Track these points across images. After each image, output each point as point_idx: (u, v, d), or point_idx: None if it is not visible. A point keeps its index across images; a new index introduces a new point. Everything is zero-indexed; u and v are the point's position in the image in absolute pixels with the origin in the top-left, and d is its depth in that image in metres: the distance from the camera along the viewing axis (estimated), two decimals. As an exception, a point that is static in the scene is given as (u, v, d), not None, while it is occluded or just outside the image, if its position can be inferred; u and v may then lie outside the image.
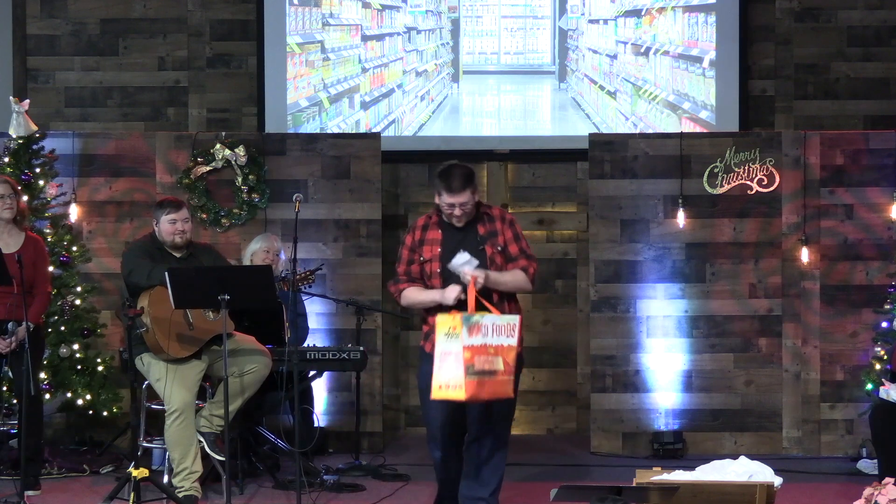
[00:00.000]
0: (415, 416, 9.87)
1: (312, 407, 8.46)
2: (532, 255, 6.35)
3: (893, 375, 7.32)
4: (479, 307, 6.09)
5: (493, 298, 6.20)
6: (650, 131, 9.74)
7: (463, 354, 5.92)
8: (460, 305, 6.12)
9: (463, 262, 6.13)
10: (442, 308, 6.16)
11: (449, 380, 5.96)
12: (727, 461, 6.18)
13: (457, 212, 6.25)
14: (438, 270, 6.29)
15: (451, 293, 6.16)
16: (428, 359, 6.22)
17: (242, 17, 10.14)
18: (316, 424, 8.22)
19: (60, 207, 8.82)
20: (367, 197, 9.02)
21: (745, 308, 8.87)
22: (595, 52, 10.12)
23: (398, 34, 10.17)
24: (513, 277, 6.27)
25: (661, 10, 10.03)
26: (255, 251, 8.25)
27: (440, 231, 6.34)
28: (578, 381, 9.80)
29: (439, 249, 6.30)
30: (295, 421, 7.21)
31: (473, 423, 6.33)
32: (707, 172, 8.89)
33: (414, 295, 6.34)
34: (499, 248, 6.28)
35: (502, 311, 6.19)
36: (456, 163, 6.34)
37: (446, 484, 6.49)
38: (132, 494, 6.45)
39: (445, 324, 6.01)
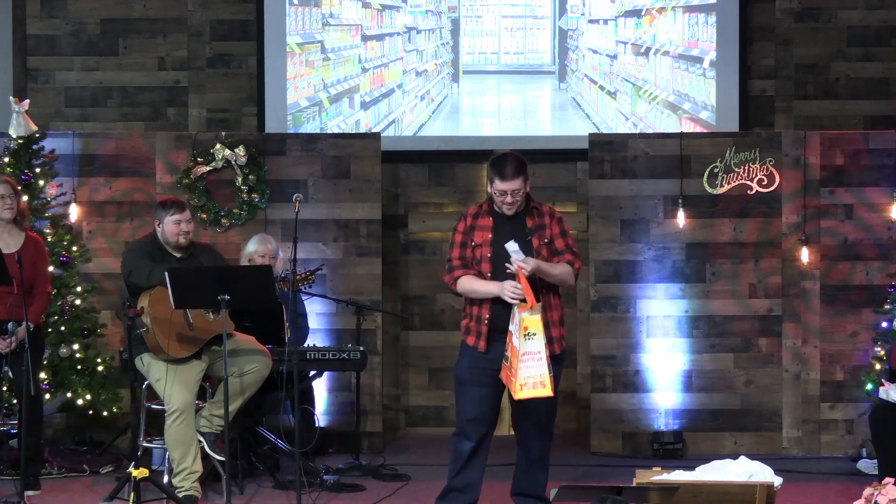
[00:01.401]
0: (415, 416, 9.87)
1: (313, 407, 8.46)
2: (578, 253, 6.45)
3: (892, 375, 7.32)
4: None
5: (538, 289, 6.25)
6: (650, 131, 9.74)
7: (545, 352, 6.10)
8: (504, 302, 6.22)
9: (515, 250, 6.20)
10: (498, 301, 6.23)
11: (534, 377, 6.10)
12: (727, 461, 6.19)
13: (508, 199, 6.33)
14: (489, 255, 6.35)
15: (510, 290, 6.19)
16: (469, 353, 6.35)
17: (242, 17, 10.14)
18: (317, 424, 8.22)
19: (60, 207, 8.82)
20: (367, 197, 9.02)
21: (745, 308, 8.87)
22: (595, 52, 10.12)
23: (398, 34, 10.17)
24: (561, 269, 6.35)
25: (661, 10, 10.03)
26: (250, 255, 8.21)
27: (491, 219, 6.42)
28: (578, 381, 9.80)
29: (490, 235, 6.38)
30: (295, 421, 7.22)
31: (524, 420, 6.45)
32: (707, 172, 8.89)
33: (471, 284, 6.36)
34: (545, 241, 6.36)
35: (545, 304, 6.27)
36: (509, 152, 6.46)
37: (459, 478, 6.47)
38: (132, 494, 6.45)
39: (523, 324, 6.11)
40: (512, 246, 6.20)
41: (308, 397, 8.40)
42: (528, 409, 6.36)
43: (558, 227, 6.43)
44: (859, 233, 8.83)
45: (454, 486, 6.48)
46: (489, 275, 6.33)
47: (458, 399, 6.51)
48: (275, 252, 8.23)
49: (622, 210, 8.93)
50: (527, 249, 6.27)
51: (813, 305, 8.84)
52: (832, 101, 10.00)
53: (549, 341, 6.23)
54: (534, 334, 6.10)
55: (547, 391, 6.12)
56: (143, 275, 6.92)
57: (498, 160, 6.37)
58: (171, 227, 7.07)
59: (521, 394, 6.12)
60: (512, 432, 9.97)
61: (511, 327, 6.17)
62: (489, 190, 6.42)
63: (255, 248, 8.21)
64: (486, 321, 6.29)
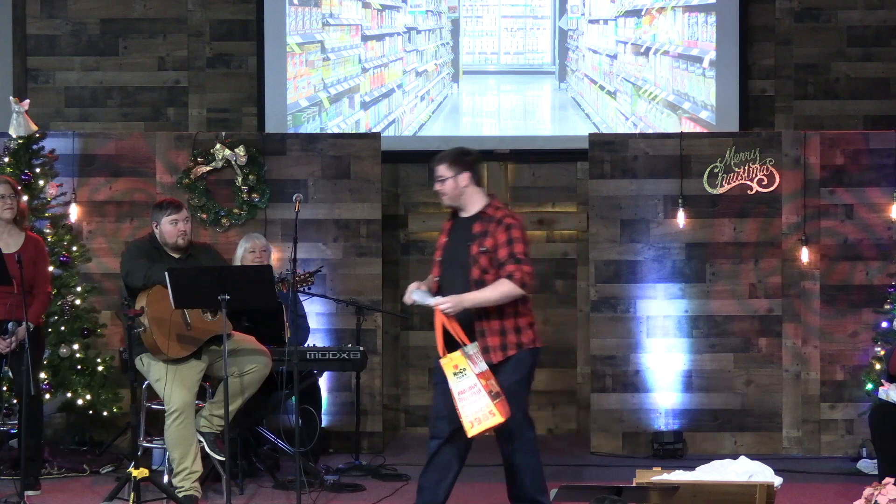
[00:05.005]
0: (415, 416, 9.87)
1: (320, 406, 8.46)
2: (523, 259, 6.17)
3: (890, 377, 7.32)
4: (449, 338, 6.11)
5: (484, 314, 6.19)
6: (650, 131, 9.74)
7: (480, 383, 6.00)
8: (452, 342, 6.16)
9: (420, 299, 6.21)
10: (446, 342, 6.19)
11: (478, 412, 6.01)
12: (727, 461, 6.18)
13: (436, 186, 6.35)
14: (439, 259, 6.39)
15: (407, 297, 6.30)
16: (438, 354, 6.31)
17: (242, 17, 10.14)
18: (320, 425, 8.23)
19: (60, 207, 8.82)
20: (367, 197, 9.03)
21: (745, 308, 8.87)
22: (595, 52, 10.12)
23: (398, 34, 10.17)
24: (493, 290, 6.16)
25: (661, 10, 10.03)
26: (242, 255, 8.21)
27: (452, 222, 6.44)
28: (578, 381, 9.80)
29: (444, 239, 6.41)
30: (296, 421, 7.22)
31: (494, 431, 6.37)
32: (707, 172, 8.89)
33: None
34: (484, 249, 6.21)
35: (479, 312, 6.17)
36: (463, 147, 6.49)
37: (423, 477, 6.43)
38: (132, 494, 6.45)
39: (449, 365, 6.07)
40: (418, 295, 6.20)
41: (314, 396, 8.40)
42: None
43: (504, 235, 6.21)
44: (859, 233, 8.83)
45: (419, 485, 6.47)
46: (436, 279, 6.36)
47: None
48: (264, 245, 8.23)
49: (622, 210, 8.93)
50: (463, 256, 6.23)
51: (813, 305, 8.84)
52: (832, 101, 10.01)
53: (486, 350, 6.16)
54: (463, 370, 6.03)
55: (497, 418, 6.00)
56: (139, 275, 6.91)
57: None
58: (168, 228, 7.06)
59: (474, 431, 6.04)
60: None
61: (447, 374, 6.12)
62: None
63: (244, 247, 8.21)
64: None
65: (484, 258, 6.21)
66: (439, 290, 6.33)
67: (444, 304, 6.15)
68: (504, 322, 6.22)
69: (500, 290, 6.16)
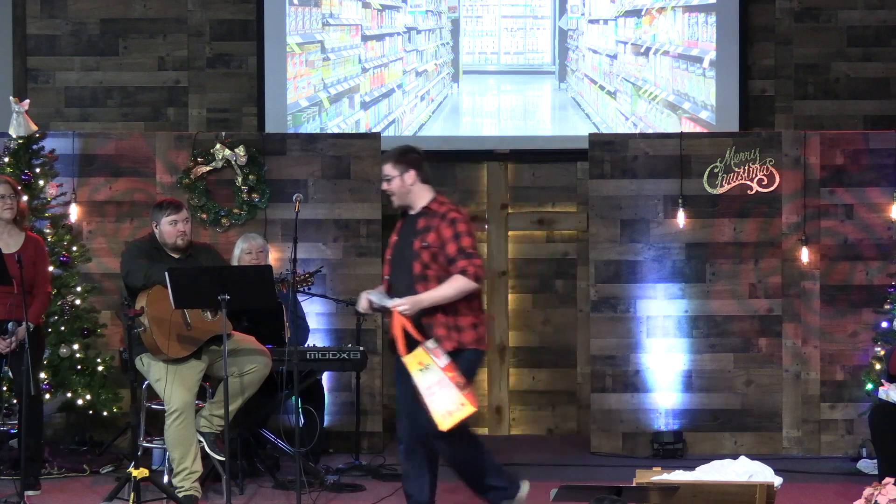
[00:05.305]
0: (415, 416, 9.86)
1: (323, 406, 8.45)
2: (472, 253, 6.16)
3: (890, 377, 7.31)
4: (409, 338, 6.10)
5: (428, 310, 6.16)
6: (650, 131, 9.74)
7: (446, 376, 5.99)
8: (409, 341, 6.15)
9: (378, 303, 6.20)
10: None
11: (450, 405, 5.99)
12: (727, 461, 6.18)
13: (383, 186, 6.37)
14: (388, 258, 6.40)
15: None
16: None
17: (242, 17, 10.14)
18: (322, 425, 8.23)
19: (60, 207, 8.82)
20: (367, 197, 9.02)
21: (745, 308, 8.87)
22: (595, 52, 10.12)
23: (398, 34, 10.17)
24: (449, 287, 6.15)
25: (661, 10, 10.03)
26: (239, 256, 8.20)
27: (402, 220, 6.43)
28: (578, 381, 9.80)
29: (394, 238, 6.42)
30: (296, 421, 7.21)
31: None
32: (707, 172, 8.89)
33: None
34: (426, 244, 6.20)
35: (436, 323, 6.17)
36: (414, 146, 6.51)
37: (407, 483, 6.43)
38: (132, 494, 6.45)
39: (413, 362, 6.04)
40: (376, 297, 6.21)
41: (317, 396, 8.40)
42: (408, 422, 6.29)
43: (450, 230, 6.19)
44: (859, 233, 8.83)
45: (405, 491, 6.47)
46: (386, 278, 6.37)
47: None
48: (261, 246, 8.22)
49: (622, 210, 8.93)
50: (407, 252, 6.24)
51: (813, 305, 8.84)
52: (832, 101, 10.01)
53: (438, 341, 6.14)
54: (427, 366, 6.02)
55: (469, 408, 6.00)
56: (139, 275, 6.91)
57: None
58: (168, 228, 7.06)
59: (447, 423, 6.01)
60: (512, 432, 10.02)
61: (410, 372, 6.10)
62: None
63: (241, 248, 8.21)
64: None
65: (426, 253, 6.20)
66: (389, 289, 6.32)
67: (402, 305, 6.13)
68: (446, 318, 6.20)
69: (454, 286, 6.15)
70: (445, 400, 6.00)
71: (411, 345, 6.13)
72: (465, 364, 6.19)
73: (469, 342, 6.22)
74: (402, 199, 6.36)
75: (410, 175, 6.32)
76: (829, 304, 8.83)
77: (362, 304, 6.34)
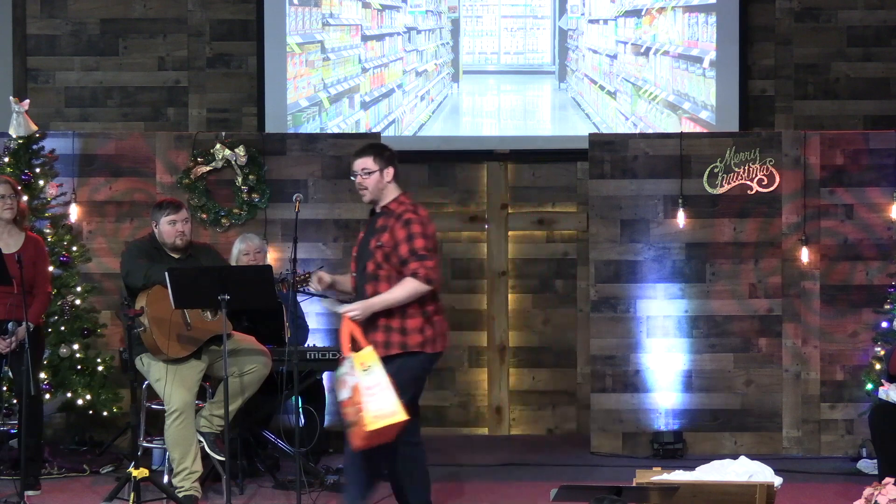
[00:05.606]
0: (415, 416, 9.85)
1: (323, 406, 8.45)
2: (425, 255, 6.11)
3: (890, 377, 7.32)
4: (355, 345, 6.10)
5: (386, 313, 6.15)
6: (650, 131, 9.74)
7: (388, 381, 5.98)
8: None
9: (330, 307, 6.19)
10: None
11: (383, 408, 5.96)
12: (727, 461, 6.18)
13: (357, 179, 6.27)
14: (354, 255, 6.38)
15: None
16: None
17: (242, 17, 10.14)
18: (322, 425, 8.23)
19: (60, 207, 8.82)
20: (367, 197, 9.01)
21: (745, 308, 8.87)
22: (595, 52, 10.12)
23: (398, 34, 10.17)
24: (399, 290, 6.11)
25: (661, 10, 10.03)
26: (237, 257, 8.20)
27: (370, 218, 6.40)
28: (578, 381, 9.80)
29: (361, 234, 6.40)
30: (296, 421, 7.21)
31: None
32: (707, 172, 8.89)
33: None
34: (379, 244, 6.17)
35: (377, 325, 6.16)
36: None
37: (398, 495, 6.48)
38: (132, 494, 6.46)
39: (357, 361, 6.02)
40: (327, 303, 6.24)
41: (317, 396, 8.40)
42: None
43: (403, 231, 6.13)
44: (859, 233, 8.83)
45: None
46: (353, 274, 6.36)
47: None
48: (258, 246, 8.21)
49: (622, 210, 8.93)
50: (365, 251, 6.23)
51: (813, 305, 8.84)
52: (832, 101, 10.01)
53: (374, 345, 6.14)
54: (370, 367, 6.00)
55: (400, 416, 5.97)
56: (139, 275, 6.92)
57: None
58: (167, 228, 7.06)
59: (373, 426, 5.98)
60: (512, 432, 10.02)
61: (341, 392, 6.09)
62: None
63: (238, 248, 8.21)
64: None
65: (379, 253, 6.17)
66: (355, 285, 6.33)
67: (352, 311, 6.12)
68: (390, 321, 6.17)
69: (405, 288, 6.11)
70: (381, 403, 5.96)
71: (357, 347, 6.12)
72: (410, 367, 6.16)
73: (414, 345, 6.17)
74: (375, 195, 6.28)
75: (389, 172, 6.28)
76: (829, 304, 8.83)
77: (314, 284, 6.31)
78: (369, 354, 6.03)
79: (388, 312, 6.15)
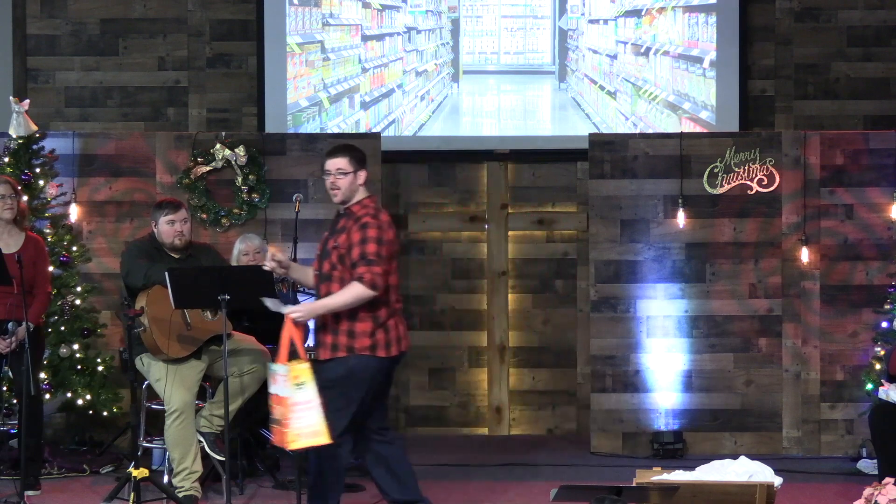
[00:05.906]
0: (415, 417, 9.87)
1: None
2: (374, 260, 6.07)
3: (890, 377, 7.32)
4: (293, 350, 6.06)
5: (335, 315, 6.12)
6: (650, 131, 9.74)
7: (318, 401, 5.94)
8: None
9: (273, 306, 6.17)
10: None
11: (306, 428, 5.92)
12: (727, 461, 6.19)
13: (329, 180, 6.26)
14: (317, 254, 6.35)
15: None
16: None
17: (242, 17, 10.14)
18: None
19: (60, 207, 8.82)
20: (367, 197, 9.01)
21: (745, 308, 8.87)
22: (595, 52, 10.12)
23: (398, 34, 10.17)
24: (344, 295, 6.08)
25: (662, 10, 10.03)
26: (237, 257, 8.19)
27: (335, 218, 6.40)
28: (578, 381, 9.80)
29: (326, 233, 6.37)
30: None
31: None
32: (707, 172, 8.89)
33: None
34: (335, 245, 6.18)
35: (325, 327, 6.15)
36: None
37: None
38: (132, 494, 6.46)
39: (291, 374, 5.96)
40: (271, 303, 6.17)
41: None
42: None
43: (358, 235, 6.11)
44: (859, 233, 8.83)
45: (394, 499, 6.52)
46: (316, 272, 6.31)
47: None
48: (258, 247, 8.19)
49: (622, 210, 8.93)
50: (325, 251, 6.22)
51: (813, 305, 8.84)
52: (832, 101, 10.01)
53: (319, 345, 6.13)
54: (303, 383, 5.94)
55: (322, 439, 5.92)
56: (139, 275, 6.92)
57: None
58: (166, 228, 7.06)
59: (295, 444, 5.95)
60: (512, 432, 10.01)
61: (272, 387, 6.04)
62: None
63: (238, 249, 8.20)
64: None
65: (335, 253, 6.18)
66: (317, 282, 6.30)
67: (296, 312, 6.11)
68: (339, 324, 6.14)
69: (351, 292, 6.08)
70: (305, 422, 5.92)
71: (294, 356, 6.07)
72: (358, 369, 6.12)
73: (362, 348, 6.13)
74: (346, 196, 6.27)
75: (362, 175, 6.29)
76: (829, 304, 8.83)
77: (268, 262, 6.27)
78: (304, 370, 5.97)
79: (337, 315, 6.14)
